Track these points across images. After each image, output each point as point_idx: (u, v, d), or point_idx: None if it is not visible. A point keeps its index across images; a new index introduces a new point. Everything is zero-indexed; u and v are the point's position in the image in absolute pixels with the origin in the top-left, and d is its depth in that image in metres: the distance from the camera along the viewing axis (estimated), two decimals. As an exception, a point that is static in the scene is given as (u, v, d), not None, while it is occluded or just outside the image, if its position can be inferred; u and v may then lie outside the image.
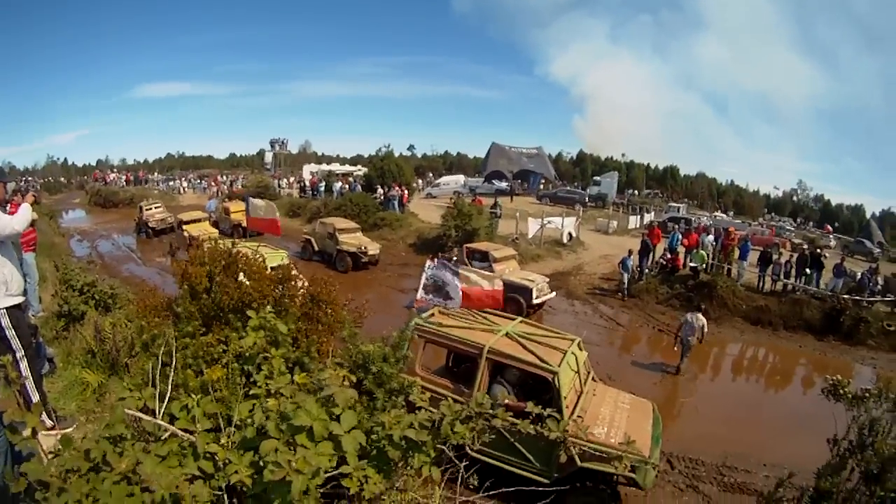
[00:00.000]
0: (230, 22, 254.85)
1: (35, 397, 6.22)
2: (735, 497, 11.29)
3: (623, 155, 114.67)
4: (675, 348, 19.04)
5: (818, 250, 28.04)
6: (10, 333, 6.15)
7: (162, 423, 3.44)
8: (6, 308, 6.17)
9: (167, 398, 3.74)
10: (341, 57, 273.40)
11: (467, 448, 4.48)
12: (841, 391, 6.58)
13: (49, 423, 6.16)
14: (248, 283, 7.45)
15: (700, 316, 18.78)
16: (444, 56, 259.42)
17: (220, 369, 4.53)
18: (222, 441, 3.43)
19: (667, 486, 11.62)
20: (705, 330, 18.87)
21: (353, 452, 3.25)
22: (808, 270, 26.23)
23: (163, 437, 3.43)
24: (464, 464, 4.65)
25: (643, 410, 11.21)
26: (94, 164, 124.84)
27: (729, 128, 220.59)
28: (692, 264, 28.14)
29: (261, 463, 3.06)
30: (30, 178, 76.43)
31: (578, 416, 10.06)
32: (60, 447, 3.19)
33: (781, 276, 26.61)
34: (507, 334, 11.22)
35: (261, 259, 8.40)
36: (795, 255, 27.94)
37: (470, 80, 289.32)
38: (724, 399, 17.18)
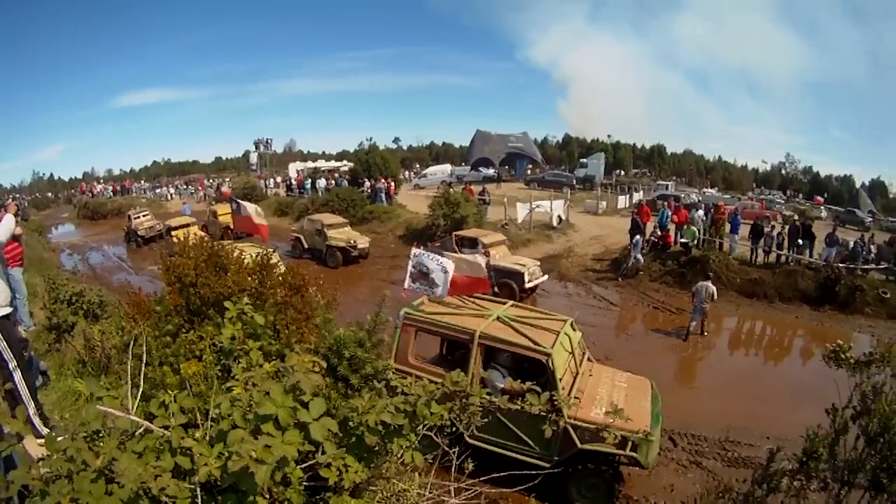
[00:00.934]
0: (204, 24, 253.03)
1: (30, 408, 6.07)
2: (739, 471, 11.13)
3: (609, 136, 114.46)
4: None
5: (808, 221, 27.98)
6: (1, 345, 5.99)
7: (135, 418, 3.35)
8: None
9: (139, 395, 3.65)
10: (318, 53, 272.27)
11: (465, 436, 4.34)
12: (842, 357, 6.43)
13: (45, 430, 5.99)
14: (224, 277, 7.38)
15: (710, 284, 19.78)
16: (422, 46, 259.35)
17: (196, 364, 4.46)
18: (197, 435, 3.34)
19: (670, 464, 11.58)
20: (715, 296, 19.81)
21: (325, 440, 3.13)
22: (800, 241, 26.11)
23: (138, 433, 3.31)
24: (456, 450, 4.51)
25: (641, 388, 11.14)
26: (80, 176, 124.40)
27: (714, 104, 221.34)
28: (683, 240, 28.13)
29: (227, 455, 2.93)
30: (17, 196, 76.50)
31: (575, 398, 9.98)
32: (46, 451, 3.16)
33: (774, 248, 26.57)
34: (498, 318, 11.14)
35: (238, 252, 8.32)
36: (787, 227, 27.81)
37: (451, 69, 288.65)
38: (723, 373, 17.16)
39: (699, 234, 28.13)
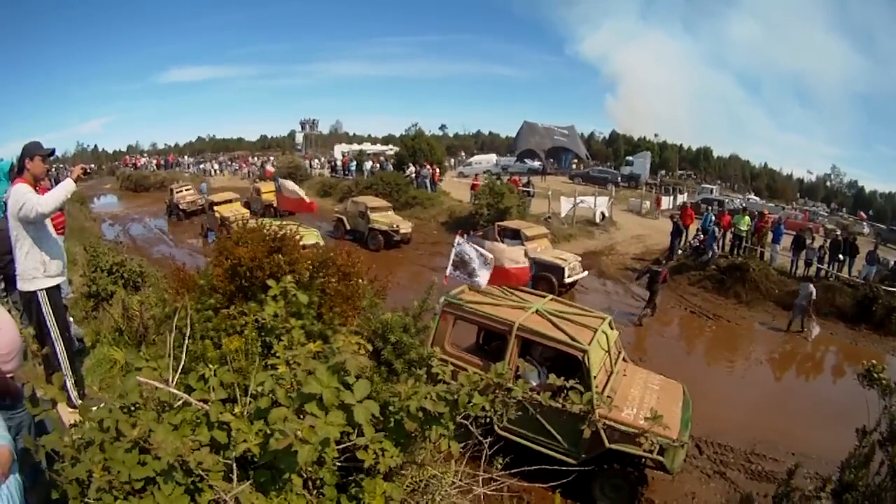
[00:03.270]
0: (252, 2, 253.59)
1: (69, 377, 6.20)
2: (762, 485, 11.07)
3: (656, 135, 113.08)
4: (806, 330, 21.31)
5: (851, 236, 27.64)
6: (47, 312, 6.17)
7: (174, 390, 3.40)
8: (46, 289, 6.13)
9: (180, 368, 3.70)
10: (366, 37, 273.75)
11: (495, 426, 4.37)
12: (875, 377, 6.37)
13: (80, 401, 6.08)
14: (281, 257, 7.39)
15: (810, 285, 21.34)
16: (471, 35, 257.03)
17: (238, 339, 4.50)
18: (236, 411, 3.38)
19: (694, 472, 11.48)
20: (814, 296, 21.07)
21: (366, 423, 3.14)
22: (841, 256, 25.76)
23: (176, 406, 3.39)
24: (488, 440, 4.55)
25: (673, 392, 11.08)
26: (124, 149, 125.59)
27: (762, 109, 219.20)
28: (736, 228, 28.06)
29: (268, 432, 2.98)
30: (62, 167, 77.18)
31: (608, 397, 9.86)
32: (78, 419, 3.25)
33: (815, 262, 26.11)
34: (537, 311, 11.11)
35: (299, 238, 8.28)
36: (829, 241, 27.36)
37: (500, 59, 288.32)
38: (754, 384, 16.95)
39: (750, 230, 27.87)
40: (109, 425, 3.07)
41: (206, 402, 3.38)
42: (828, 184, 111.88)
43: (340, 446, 3.27)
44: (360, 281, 8.03)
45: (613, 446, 9.31)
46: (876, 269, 25.41)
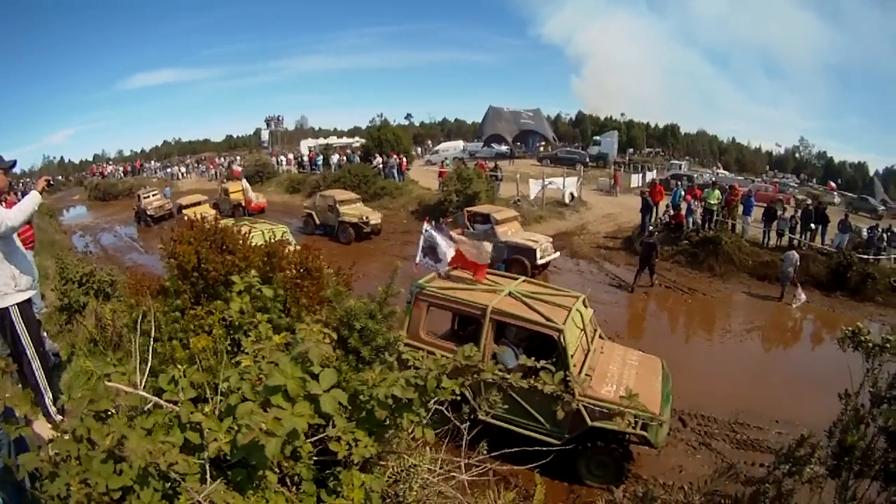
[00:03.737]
0: (213, 4, 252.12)
1: (47, 393, 6.10)
2: (748, 454, 11.12)
3: (623, 114, 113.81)
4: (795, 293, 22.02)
5: (822, 206, 27.84)
6: (21, 328, 6.02)
7: (144, 394, 3.36)
8: (17, 304, 6.00)
9: (147, 371, 3.64)
10: (328, 30, 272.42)
11: (478, 413, 4.33)
12: (862, 340, 6.31)
13: (59, 417, 5.97)
14: (230, 256, 7.33)
15: (794, 253, 22.50)
16: (433, 23, 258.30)
17: (205, 338, 4.45)
18: (206, 410, 3.32)
19: (679, 445, 11.53)
20: (798, 263, 22.20)
21: (335, 412, 3.11)
22: (812, 226, 26.12)
23: (147, 409, 3.34)
24: (466, 425, 4.49)
25: (652, 367, 11.13)
26: (90, 159, 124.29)
27: (730, 84, 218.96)
28: (706, 202, 28.19)
29: (237, 429, 2.92)
30: (28, 181, 76.63)
31: (587, 375, 10.00)
32: (56, 434, 3.18)
33: (787, 232, 26.38)
34: (510, 294, 11.13)
35: (248, 230, 8.27)
36: (800, 211, 27.61)
37: (463, 45, 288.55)
38: (734, 355, 17.07)
39: (720, 203, 28.05)
40: (82, 434, 3.03)
41: (176, 403, 3.32)
42: (797, 155, 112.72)
43: (313, 438, 3.23)
44: (325, 270, 7.98)
45: (596, 424, 9.31)
46: (849, 237, 25.81)
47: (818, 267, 24.26)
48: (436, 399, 3.63)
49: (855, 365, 6.09)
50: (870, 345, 6.02)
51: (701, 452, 11.37)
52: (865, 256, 24.20)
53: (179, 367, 3.62)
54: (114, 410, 3.30)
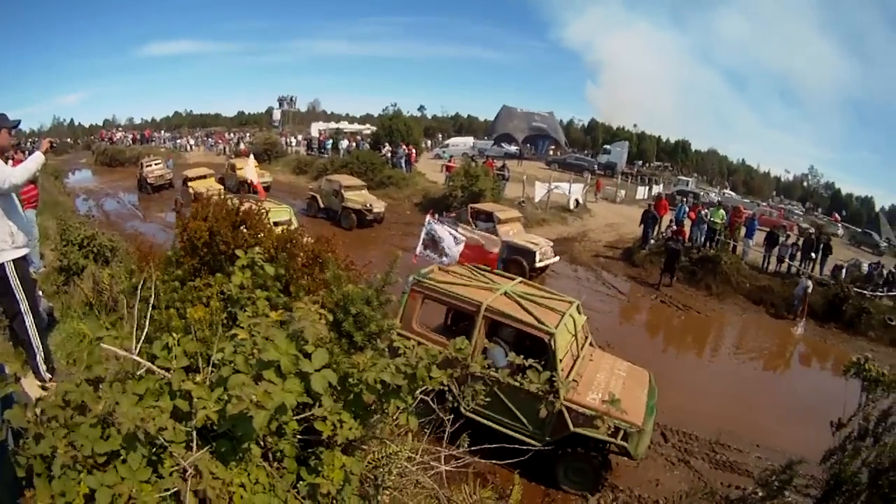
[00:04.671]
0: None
1: (39, 352, 6.11)
2: (726, 475, 11.19)
3: (635, 125, 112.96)
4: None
5: (826, 236, 27.88)
6: (16, 284, 6.05)
7: (137, 358, 3.38)
8: (13, 260, 6.05)
9: (142, 337, 3.67)
10: (349, 16, 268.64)
11: (461, 408, 4.38)
12: (867, 370, 6.35)
13: (48, 376, 6.03)
14: (245, 231, 7.37)
15: (808, 281, 23.08)
16: (454, 17, 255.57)
17: (202, 309, 4.46)
18: (198, 379, 3.38)
19: (659, 459, 11.56)
20: (810, 290, 22.72)
21: (325, 392, 3.16)
22: (813, 255, 26.10)
23: (139, 375, 3.36)
24: (450, 418, 4.55)
25: (639, 379, 11.15)
26: (100, 124, 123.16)
27: (745, 106, 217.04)
28: (709, 220, 28.14)
29: (227, 399, 2.97)
30: (36, 140, 76.55)
31: (573, 381, 10.02)
32: (44, 394, 3.23)
33: (787, 259, 26.37)
34: (505, 293, 11.15)
35: (265, 213, 8.29)
36: (802, 239, 27.66)
37: (481, 42, 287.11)
38: (721, 376, 17.12)
39: (723, 223, 27.92)
40: (74, 400, 3.08)
41: (169, 370, 3.35)
42: (805, 184, 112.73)
43: (299, 416, 3.27)
44: (329, 255, 8.01)
45: (578, 430, 9.34)
46: (847, 270, 25.82)
47: (814, 296, 23.94)
48: (423, 388, 3.68)
49: (840, 395, 6.15)
50: (872, 375, 6.08)
51: (679, 469, 11.38)
52: (863, 291, 24.12)
53: (175, 335, 3.66)
54: (105, 375, 3.31)
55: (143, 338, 3.64)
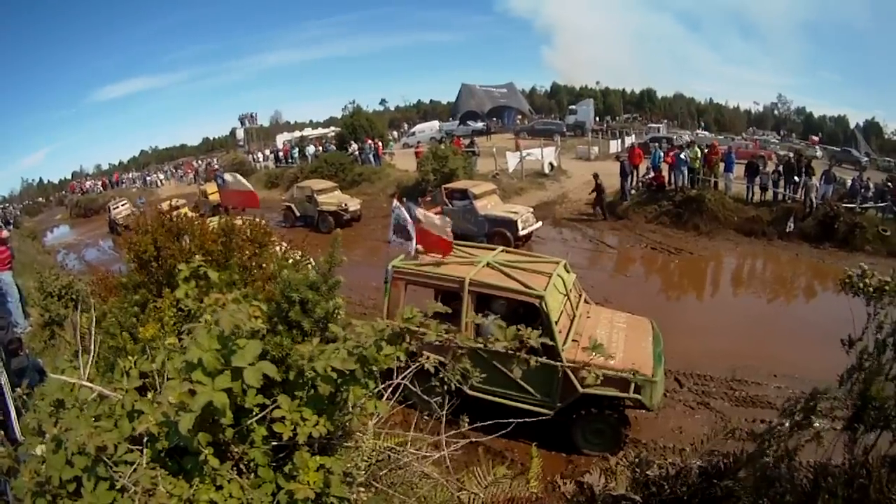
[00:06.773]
0: (175, 6, 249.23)
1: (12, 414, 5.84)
2: (748, 410, 11.06)
3: (598, 83, 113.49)
4: None
5: (805, 159, 27.72)
6: None
7: (87, 384, 3.35)
8: None
9: (91, 361, 3.75)
10: (294, 23, 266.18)
11: (464, 388, 4.10)
12: (865, 283, 6.00)
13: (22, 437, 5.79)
14: (187, 241, 7.21)
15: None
16: (399, 6, 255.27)
17: (152, 326, 4.30)
18: (150, 396, 3.28)
19: (677, 406, 11.51)
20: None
21: (256, 384, 2.93)
22: (796, 178, 25.87)
23: (91, 399, 3.31)
24: (454, 402, 4.28)
25: (642, 328, 11.05)
26: (69, 177, 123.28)
27: (703, 45, 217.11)
28: (683, 157, 28.00)
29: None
30: (8, 206, 76.46)
31: (573, 340, 9.96)
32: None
33: (770, 186, 26.30)
34: (488, 265, 11.05)
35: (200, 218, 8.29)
36: (781, 165, 27.60)
37: (430, 26, 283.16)
38: (726, 312, 17.11)
39: (700, 160, 27.80)
40: (30, 424, 3.23)
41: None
42: (776, 112, 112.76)
43: (255, 417, 3.07)
44: (275, 245, 7.89)
45: (587, 390, 9.11)
46: (833, 188, 25.63)
47: (805, 219, 24.11)
48: (380, 369, 3.46)
49: (849, 313, 5.80)
50: (871, 289, 5.75)
51: (700, 412, 11.33)
52: (851, 206, 24.12)
53: (130, 357, 3.61)
54: (68, 403, 3.30)
55: (90, 363, 3.71)
